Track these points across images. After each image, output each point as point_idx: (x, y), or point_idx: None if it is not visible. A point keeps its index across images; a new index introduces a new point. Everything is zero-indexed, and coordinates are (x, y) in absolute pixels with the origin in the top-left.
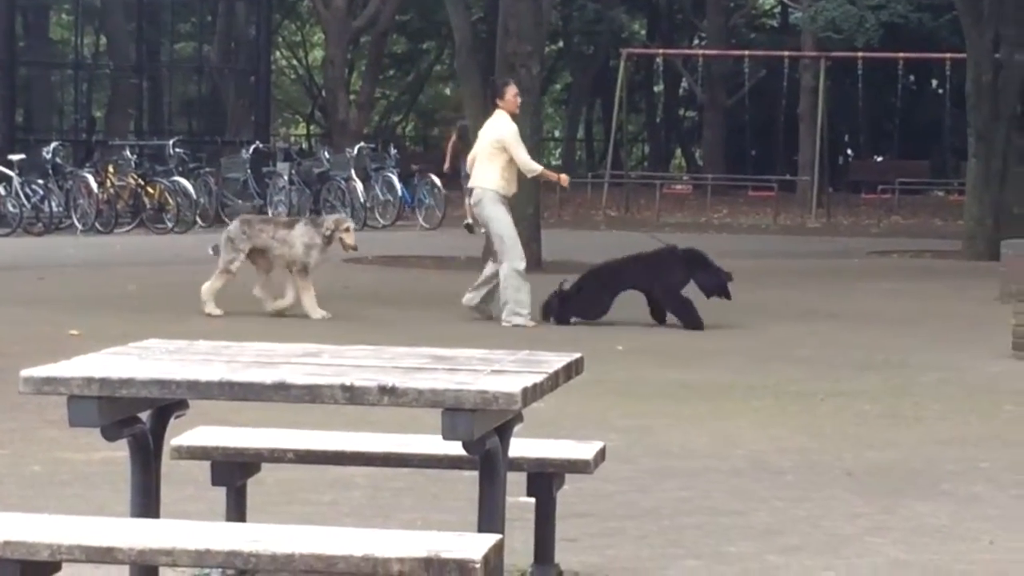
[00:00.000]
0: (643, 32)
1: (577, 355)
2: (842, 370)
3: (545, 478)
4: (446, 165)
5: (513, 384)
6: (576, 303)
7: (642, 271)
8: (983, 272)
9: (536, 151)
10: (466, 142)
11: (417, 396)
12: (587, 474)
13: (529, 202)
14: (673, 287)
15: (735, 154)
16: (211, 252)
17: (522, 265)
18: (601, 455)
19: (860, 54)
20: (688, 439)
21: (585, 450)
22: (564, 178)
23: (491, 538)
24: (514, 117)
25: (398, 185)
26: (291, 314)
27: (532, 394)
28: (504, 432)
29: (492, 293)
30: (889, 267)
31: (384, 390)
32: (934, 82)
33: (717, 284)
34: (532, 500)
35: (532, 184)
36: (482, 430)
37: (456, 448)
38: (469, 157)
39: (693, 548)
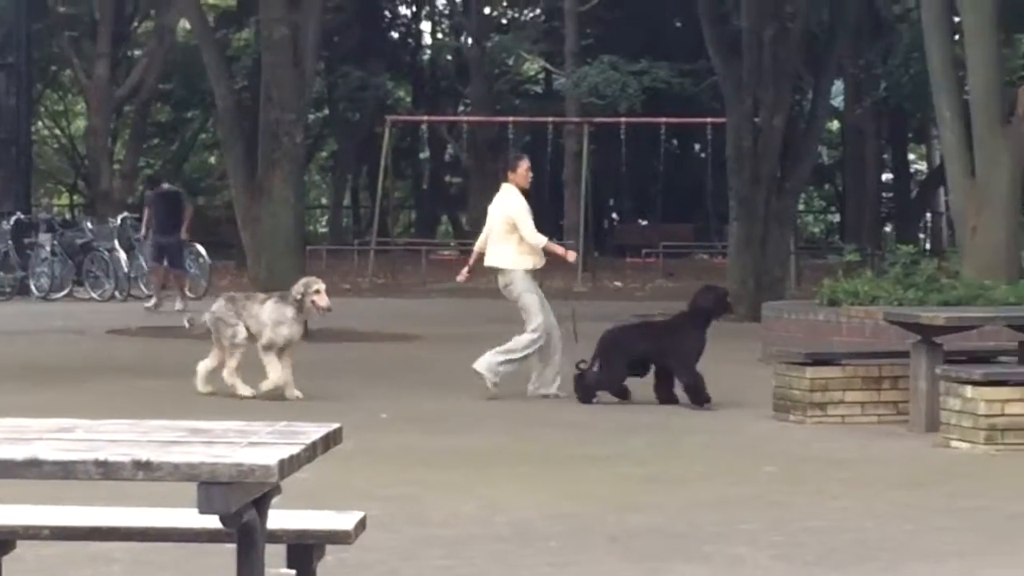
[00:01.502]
0: (408, 99)
1: (335, 426)
2: (608, 434)
3: (305, 549)
4: (142, 232)
5: (270, 456)
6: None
7: (655, 338)
8: (746, 334)
9: (301, 219)
10: (152, 211)
11: (172, 470)
12: (348, 544)
13: (293, 270)
14: (688, 357)
15: None
16: (187, 325)
17: (540, 342)
18: (362, 525)
19: (623, 119)
20: (453, 507)
21: (345, 520)
22: (571, 255)
23: None
24: (523, 193)
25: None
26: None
27: (289, 466)
28: (262, 504)
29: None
30: None
31: (139, 465)
32: (697, 146)
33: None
34: (293, 572)
35: (296, 250)
36: (239, 503)
37: (215, 521)
38: (483, 235)
39: None
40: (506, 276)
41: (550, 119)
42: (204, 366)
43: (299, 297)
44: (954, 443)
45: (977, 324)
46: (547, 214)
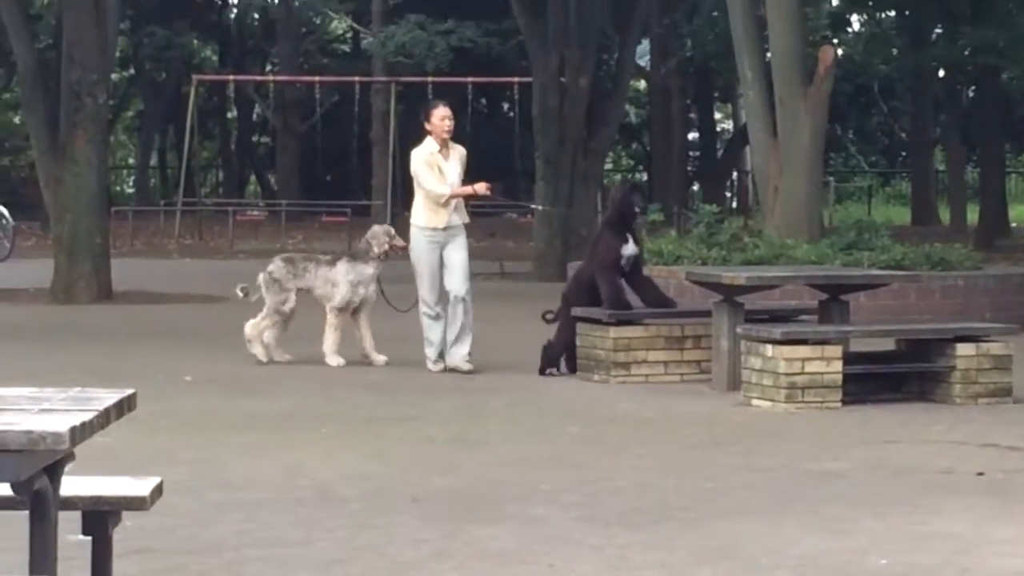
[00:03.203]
0: (215, 58)
1: (130, 391)
2: (412, 395)
3: (100, 516)
4: None
5: (61, 423)
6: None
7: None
8: (553, 293)
9: (104, 180)
10: None
11: None
12: (144, 510)
13: (97, 231)
14: (600, 263)
15: (309, 179)
16: (240, 294)
17: (428, 312)
18: (159, 491)
19: (430, 78)
20: (253, 470)
21: (141, 486)
22: (481, 186)
23: None
24: (441, 143)
25: None
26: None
27: (81, 433)
28: (54, 471)
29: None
30: None
31: None
32: (505, 105)
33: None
34: (88, 539)
35: (100, 211)
36: (30, 471)
37: (6, 489)
38: None
39: None
40: (411, 232)
41: (357, 78)
42: (273, 336)
43: (385, 249)
44: (755, 402)
45: (777, 284)
46: (355, 174)
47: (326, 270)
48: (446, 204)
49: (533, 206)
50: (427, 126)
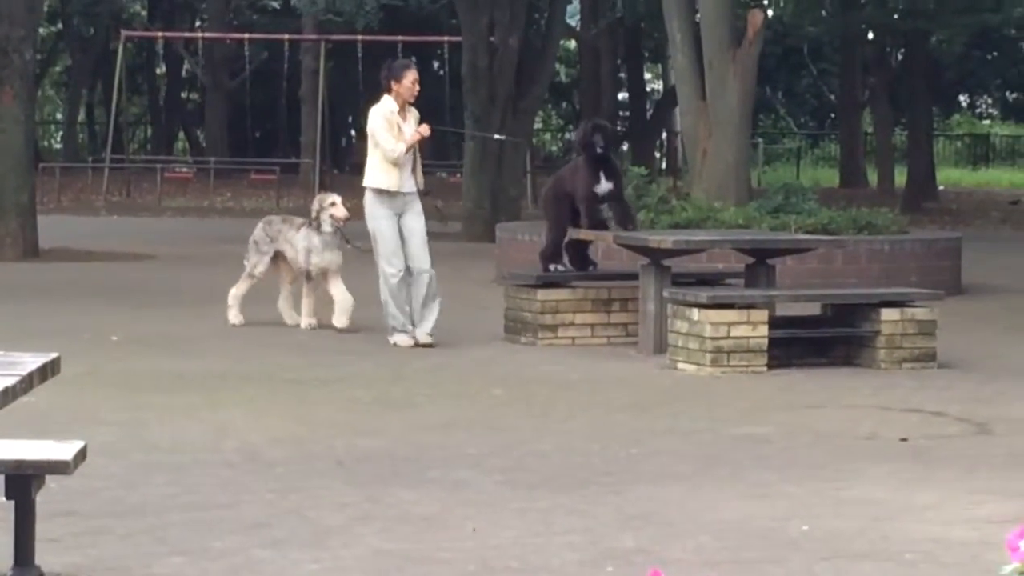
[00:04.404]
0: (144, 14)
1: (53, 355)
2: (337, 356)
3: (23, 480)
4: None
5: None
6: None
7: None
8: (482, 254)
9: (31, 137)
10: None
11: None
12: (67, 474)
13: (24, 188)
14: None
15: (238, 137)
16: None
17: (394, 275)
18: (82, 455)
19: (360, 37)
20: (179, 432)
21: (64, 450)
22: (424, 128)
23: None
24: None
25: None
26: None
27: (4, 398)
28: None
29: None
30: None
31: None
32: (435, 64)
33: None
34: (11, 503)
35: (27, 168)
36: None
37: None
38: None
39: (178, 544)
40: (365, 196)
41: (287, 36)
42: (283, 298)
43: (315, 215)
44: (681, 365)
45: (704, 248)
46: (285, 131)
47: (292, 234)
48: (401, 164)
49: (496, 136)
50: (394, 86)
